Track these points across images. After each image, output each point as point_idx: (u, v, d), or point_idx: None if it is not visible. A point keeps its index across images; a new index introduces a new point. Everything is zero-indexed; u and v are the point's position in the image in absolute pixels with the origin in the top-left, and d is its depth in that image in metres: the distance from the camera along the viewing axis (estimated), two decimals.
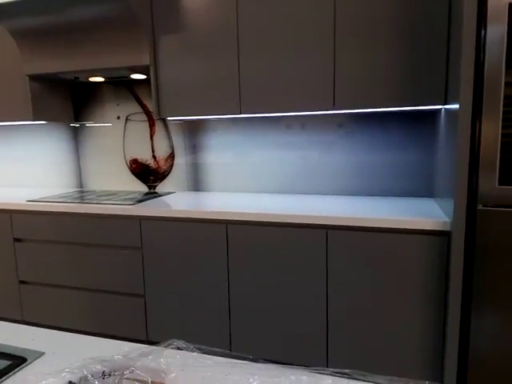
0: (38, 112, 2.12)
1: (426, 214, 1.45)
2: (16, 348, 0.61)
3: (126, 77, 2.13)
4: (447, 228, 1.34)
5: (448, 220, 1.35)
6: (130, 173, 2.38)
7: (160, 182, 2.34)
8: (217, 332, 1.70)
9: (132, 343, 0.61)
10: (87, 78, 2.18)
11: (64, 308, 1.97)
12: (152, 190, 2.34)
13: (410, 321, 1.44)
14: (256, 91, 1.72)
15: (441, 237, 1.37)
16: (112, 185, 2.41)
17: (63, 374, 0.52)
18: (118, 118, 2.33)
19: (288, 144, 2.01)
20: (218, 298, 1.69)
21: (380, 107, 1.56)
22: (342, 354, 1.54)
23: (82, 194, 2.19)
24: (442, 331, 1.41)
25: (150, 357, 0.54)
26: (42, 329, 0.66)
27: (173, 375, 0.51)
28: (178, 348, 0.58)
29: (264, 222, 1.57)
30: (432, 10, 1.45)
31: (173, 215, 1.71)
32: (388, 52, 1.52)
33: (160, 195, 2.13)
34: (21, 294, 2.06)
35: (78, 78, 2.15)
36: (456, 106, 1.25)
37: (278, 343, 1.63)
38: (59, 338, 0.64)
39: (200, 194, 2.16)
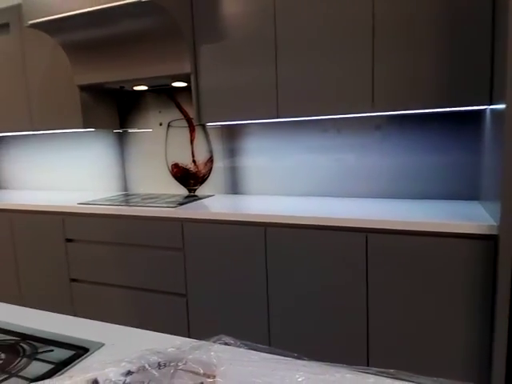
0: (87, 120, 2.25)
1: (472, 218, 1.40)
2: (79, 339, 0.67)
3: (168, 85, 2.23)
4: (494, 232, 1.30)
5: (495, 224, 1.30)
6: (171, 177, 2.47)
7: (200, 185, 2.41)
8: (256, 331, 1.74)
9: (183, 337, 0.65)
10: (132, 87, 2.29)
11: (110, 305, 2.08)
12: (192, 193, 2.41)
13: (454, 325, 1.40)
14: (293, 95, 1.74)
15: (487, 241, 1.32)
16: (154, 188, 2.51)
17: (123, 364, 0.56)
18: (161, 124, 2.43)
19: (324, 147, 2.02)
20: (257, 298, 1.72)
21: (422, 108, 1.54)
22: (383, 355, 1.52)
23: (127, 197, 2.31)
24: (489, 335, 1.36)
25: (201, 350, 0.58)
26: (100, 322, 0.72)
27: (223, 368, 0.54)
28: (226, 343, 0.61)
29: (303, 224, 1.58)
30: (475, 5, 1.41)
31: (213, 217, 1.76)
32: (429, 51, 1.49)
33: (200, 198, 2.20)
34: (72, 291, 2.19)
35: (123, 87, 2.27)
36: (502, 106, 1.21)
37: (317, 343, 1.63)
38: (116, 331, 0.69)
39: (238, 196, 2.20)
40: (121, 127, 2.54)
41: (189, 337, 1.91)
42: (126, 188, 2.60)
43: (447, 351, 1.42)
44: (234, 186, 2.30)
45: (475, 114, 1.71)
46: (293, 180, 2.12)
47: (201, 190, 2.39)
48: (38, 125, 2.41)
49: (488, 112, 1.51)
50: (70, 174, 2.77)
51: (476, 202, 1.73)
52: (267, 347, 0.59)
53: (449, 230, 1.36)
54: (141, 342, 0.65)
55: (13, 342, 0.67)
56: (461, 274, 1.37)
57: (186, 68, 1.91)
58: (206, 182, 2.38)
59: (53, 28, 1.94)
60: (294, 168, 2.11)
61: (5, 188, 3.07)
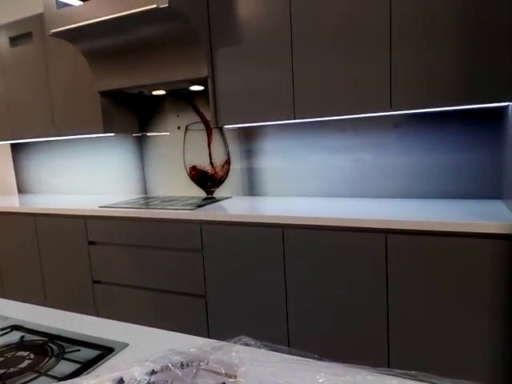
0: (107, 125, 2.31)
1: (495, 217, 1.37)
2: (104, 339, 0.68)
3: (186, 89, 2.26)
4: None
5: None
6: (189, 179, 2.50)
7: (217, 187, 2.43)
8: (275, 332, 1.74)
9: (204, 338, 0.66)
10: (150, 92, 2.33)
11: (131, 306, 2.12)
12: (210, 195, 2.43)
13: (477, 325, 1.37)
14: (310, 96, 1.74)
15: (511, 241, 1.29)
16: (173, 191, 2.55)
17: (147, 364, 0.58)
18: (179, 128, 2.46)
19: (342, 147, 2.00)
20: (276, 299, 1.73)
21: (443, 106, 1.51)
22: (403, 357, 1.50)
23: (147, 200, 2.35)
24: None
25: (222, 351, 0.59)
26: (124, 323, 0.74)
27: (244, 368, 0.55)
28: (247, 344, 0.62)
29: (322, 225, 1.58)
30: (496, 1, 1.38)
31: (232, 219, 1.78)
32: (449, 48, 1.47)
33: (217, 200, 2.22)
34: (94, 293, 2.24)
35: (142, 92, 2.31)
36: None
37: (336, 344, 1.62)
38: (140, 332, 0.71)
39: (255, 198, 2.21)
40: (140, 131, 2.58)
41: (208, 337, 1.92)
42: (145, 191, 2.64)
43: (470, 352, 1.39)
44: (252, 188, 2.31)
45: (497, 111, 1.67)
46: (310, 181, 2.11)
47: (218, 192, 2.41)
48: (60, 131, 2.47)
49: (511, 108, 1.47)
50: (90, 178, 2.84)
51: (499, 200, 1.69)
52: (287, 348, 0.60)
53: (472, 229, 1.34)
54: (163, 342, 0.67)
55: (41, 342, 0.70)
56: (484, 274, 1.34)
57: (203, 72, 1.93)
58: (223, 184, 2.40)
59: (74, 36, 2.00)
60: (311, 169, 2.10)
61: (29, 192, 3.17)
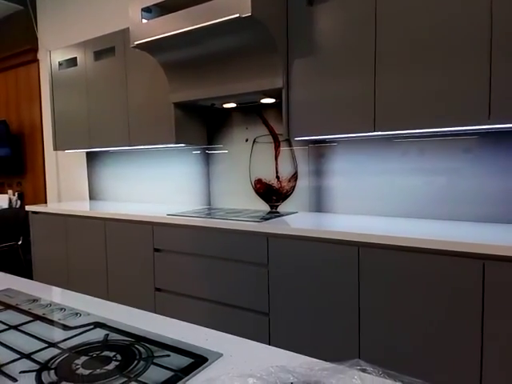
0: (179, 136, 2.34)
1: None
2: (195, 346, 0.62)
3: (256, 102, 2.24)
4: None
5: None
6: (253, 192, 2.46)
7: (282, 201, 2.36)
8: (342, 358, 1.59)
9: (307, 357, 0.57)
10: (222, 105, 2.34)
11: (191, 317, 2.07)
12: (274, 210, 2.36)
13: None
14: (393, 107, 1.63)
15: None
16: (236, 203, 2.51)
17: (249, 380, 0.50)
18: (247, 140, 2.45)
19: (412, 168, 1.85)
20: (347, 322, 1.58)
21: None
22: None
23: (211, 211, 2.33)
24: None
25: (339, 375, 0.49)
26: (214, 330, 0.67)
27: None
28: (364, 370, 0.52)
29: (405, 246, 1.43)
30: None
31: (301, 234, 1.68)
32: None
33: (282, 215, 2.14)
34: (155, 300, 2.23)
35: (214, 104, 2.33)
36: None
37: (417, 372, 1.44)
38: (232, 342, 0.63)
39: (322, 214, 2.10)
40: (208, 143, 2.60)
41: None
42: (209, 202, 2.64)
43: None
44: (318, 204, 2.20)
45: None
46: (378, 200, 1.97)
47: (283, 207, 2.33)
48: (134, 140, 2.56)
49: None
50: (157, 188, 2.90)
51: None
52: (420, 381, 0.49)
53: None
54: (260, 355, 0.58)
55: (127, 342, 0.65)
56: None
57: (278, 83, 1.89)
58: (288, 199, 2.32)
59: (155, 47, 2.07)
60: (379, 188, 1.96)
61: (100, 199, 3.31)
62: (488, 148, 1.69)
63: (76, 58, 2.83)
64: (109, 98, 2.67)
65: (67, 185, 3.60)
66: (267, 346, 0.61)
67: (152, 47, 2.07)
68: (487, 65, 1.42)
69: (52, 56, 2.99)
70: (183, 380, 0.52)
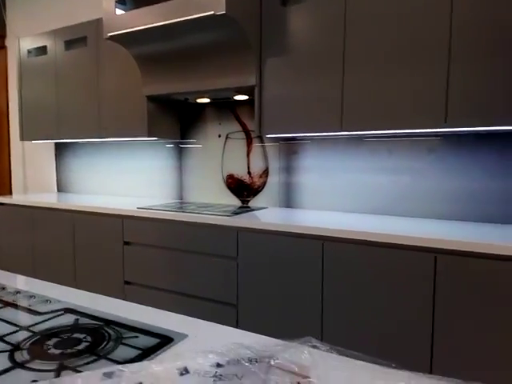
0: (152, 130, 2.35)
1: None
2: (162, 328, 0.66)
3: (230, 98, 2.28)
4: None
5: None
6: (224, 187, 2.50)
7: (253, 197, 2.41)
8: None
9: (265, 336, 0.63)
10: (195, 100, 2.37)
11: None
12: (245, 204, 2.42)
13: None
14: (359, 109, 1.71)
15: None
16: (208, 198, 2.55)
17: (211, 355, 0.55)
18: (219, 136, 2.48)
19: (380, 167, 1.96)
20: (311, 311, 1.66)
21: (503, 125, 1.45)
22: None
23: (183, 205, 2.35)
24: None
25: (291, 350, 0.55)
26: (180, 315, 0.71)
27: (317, 371, 0.51)
28: (315, 346, 0.58)
29: (366, 240, 1.52)
30: None
31: (270, 228, 1.75)
32: (511, 66, 1.42)
33: (253, 209, 2.20)
34: (125, 294, 2.24)
35: (187, 99, 2.35)
36: None
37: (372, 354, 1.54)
38: (197, 324, 0.68)
39: (292, 210, 2.18)
40: (181, 138, 2.62)
41: None
42: (180, 196, 2.66)
43: None
44: (288, 200, 2.28)
45: None
46: (346, 197, 2.07)
47: (254, 202, 2.39)
48: (106, 133, 2.54)
49: None
50: (127, 181, 2.89)
51: None
52: (362, 355, 0.55)
53: None
54: (223, 336, 0.64)
55: (97, 326, 0.68)
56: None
57: (251, 81, 1.94)
58: (259, 195, 2.38)
59: (129, 40, 2.06)
60: (347, 186, 2.06)
61: (68, 191, 3.25)
62: (449, 149, 1.80)
63: (46, 46, 2.76)
64: (79, 88, 2.63)
65: (34, 176, 3.51)
66: (229, 327, 0.66)
67: (126, 40, 2.07)
68: (445, 71, 1.53)
69: (21, 43, 2.91)
70: (150, 357, 0.57)
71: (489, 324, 1.32)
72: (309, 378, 0.50)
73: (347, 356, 0.57)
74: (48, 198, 2.81)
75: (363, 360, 0.56)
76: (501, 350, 1.31)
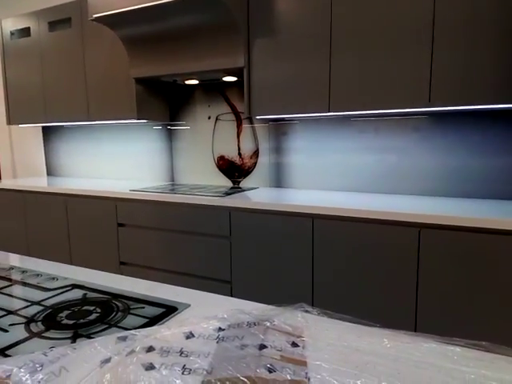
0: (141, 112, 2.35)
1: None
2: (166, 299, 0.71)
3: (219, 79, 2.29)
4: None
5: None
6: (216, 169, 2.53)
7: (244, 177, 2.46)
8: None
9: (262, 304, 0.69)
10: (184, 81, 2.37)
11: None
12: (236, 185, 2.46)
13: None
14: (346, 90, 1.75)
15: None
16: (200, 179, 2.58)
17: (214, 321, 0.60)
18: (209, 118, 2.50)
19: (367, 146, 2.01)
20: (302, 287, 1.74)
21: (481, 104, 1.51)
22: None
23: (175, 187, 2.39)
24: None
25: (286, 314, 0.61)
26: (182, 287, 0.77)
27: (310, 331, 0.57)
28: (307, 311, 0.64)
29: (354, 217, 1.59)
30: None
31: (262, 207, 1.80)
32: (491, 48, 1.46)
33: (244, 190, 2.25)
34: (121, 274, 2.29)
35: (176, 80, 2.35)
36: None
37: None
38: (199, 295, 0.74)
39: (282, 190, 2.23)
40: (171, 120, 2.63)
41: None
42: (172, 178, 2.69)
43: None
44: (278, 180, 2.33)
45: None
46: (334, 176, 2.12)
47: (245, 183, 2.43)
48: (94, 115, 2.53)
49: None
50: (119, 164, 2.90)
51: None
52: (350, 317, 0.61)
53: (503, 227, 1.33)
54: (223, 305, 0.69)
55: (105, 299, 0.73)
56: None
57: (240, 62, 1.95)
58: (250, 175, 2.42)
59: (115, 21, 2.04)
60: (335, 165, 2.11)
61: (58, 175, 3.25)
62: (434, 128, 1.86)
63: (29, 27, 2.71)
64: (65, 71, 2.60)
65: (23, 160, 3.49)
66: (229, 297, 0.72)
67: (112, 21, 2.05)
68: (429, 53, 1.57)
69: (3, 25, 2.84)
70: (157, 324, 0.62)
71: (468, 289, 1.41)
72: (302, 337, 0.57)
73: (337, 319, 0.63)
74: (39, 182, 2.81)
75: (351, 322, 0.62)
76: (477, 312, 1.41)
